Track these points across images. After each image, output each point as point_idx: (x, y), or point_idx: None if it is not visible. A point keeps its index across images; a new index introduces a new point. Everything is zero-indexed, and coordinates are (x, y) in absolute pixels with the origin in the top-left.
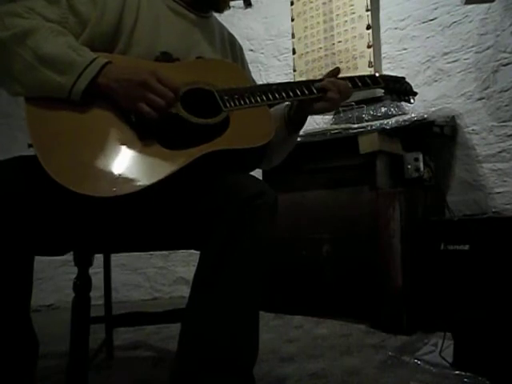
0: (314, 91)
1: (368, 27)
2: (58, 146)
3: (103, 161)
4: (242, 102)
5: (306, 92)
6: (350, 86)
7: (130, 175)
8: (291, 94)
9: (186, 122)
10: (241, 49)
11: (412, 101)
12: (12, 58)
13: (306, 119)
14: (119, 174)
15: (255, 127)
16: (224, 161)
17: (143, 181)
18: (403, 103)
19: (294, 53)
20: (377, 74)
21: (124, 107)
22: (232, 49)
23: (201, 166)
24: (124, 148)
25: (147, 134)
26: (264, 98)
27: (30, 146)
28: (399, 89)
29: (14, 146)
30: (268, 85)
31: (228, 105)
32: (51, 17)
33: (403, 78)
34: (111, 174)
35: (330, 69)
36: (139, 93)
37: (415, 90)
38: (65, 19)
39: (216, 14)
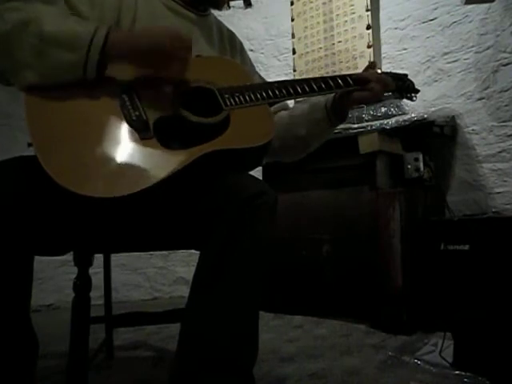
0: (315, 88)
1: (368, 27)
2: (57, 145)
3: (103, 161)
4: (243, 101)
5: (308, 90)
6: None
7: (131, 175)
8: (292, 91)
9: (186, 121)
10: (241, 44)
11: (414, 98)
12: (20, 48)
13: (347, 111)
14: (120, 175)
15: (256, 126)
16: (224, 160)
17: (144, 181)
18: (403, 103)
19: (294, 53)
20: (379, 71)
21: (147, 71)
22: (232, 45)
23: (201, 165)
24: (124, 148)
25: (147, 134)
26: (265, 95)
27: (29, 145)
28: (401, 86)
29: (14, 146)
30: (269, 83)
31: (229, 103)
32: None
33: (405, 75)
34: (111, 174)
35: (330, 69)
36: (162, 57)
37: None
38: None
39: (216, 14)
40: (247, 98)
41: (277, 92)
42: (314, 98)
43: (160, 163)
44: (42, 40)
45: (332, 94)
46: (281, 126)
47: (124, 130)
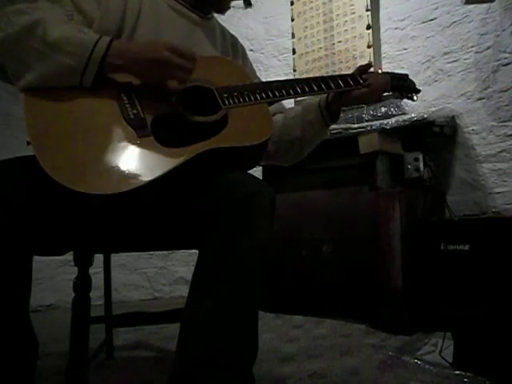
0: (314, 88)
1: (368, 27)
2: (56, 144)
3: (101, 158)
4: (242, 100)
5: (307, 89)
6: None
7: (128, 173)
8: (291, 91)
9: (184, 119)
10: (243, 49)
11: (415, 98)
12: (25, 51)
13: (340, 110)
14: (117, 172)
15: (254, 125)
16: (222, 159)
17: (141, 178)
18: (403, 103)
19: (294, 53)
20: (379, 71)
21: (148, 82)
22: (234, 49)
23: (199, 163)
24: (122, 146)
25: (145, 132)
26: (263, 95)
27: (28, 143)
28: (402, 86)
29: (14, 145)
30: (268, 82)
31: (227, 102)
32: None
33: (406, 75)
34: (109, 171)
35: (330, 69)
36: (164, 71)
37: None
38: (70, 17)
39: (216, 15)
40: (246, 97)
41: (276, 92)
42: (308, 100)
43: (157, 161)
44: (45, 44)
45: (324, 95)
46: (275, 130)
47: (122, 128)
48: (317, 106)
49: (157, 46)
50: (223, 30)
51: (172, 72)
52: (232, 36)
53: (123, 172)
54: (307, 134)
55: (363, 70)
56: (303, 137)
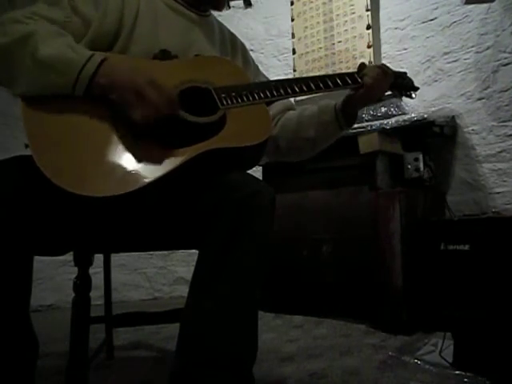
0: (312, 87)
1: (368, 27)
2: (54, 146)
3: (100, 161)
4: (240, 100)
5: (305, 89)
6: (390, 71)
7: (128, 175)
8: (289, 90)
9: (182, 120)
10: (243, 45)
11: (414, 96)
12: (14, 63)
13: (356, 113)
14: (116, 174)
15: (253, 125)
16: (221, 159)
17: (141, 180)
18: (403, 103)
19: (294, 53)
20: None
21: (118, 112)
22: (233, 47)
23: (198, 164)
24: (121, 148)
25: (144, 133)
26: (262, 95)
27: (27, 146)
28: (401, 84)
29: (13, 146)
30: (266, 82)
31: (225, 103)
32: (55, 17)
33: (405, 73)
34: (108, 174)
35: (330, 69)
36: (133, 100)
37: None
38: (68, 19)
39: (215, 14)
40: (244, 97)
41: (274, 91)
42: (324, 100)
43: (156, 162)
44: (34, 60)
45: (342, 97)
46: (289, 127)
47: (120, 129)
48: (333, 107)
49: (137, 74)
50: (221, 28)
51: (139, 102)
52: (231, 33)
53: (122, 174)
54: (321, 135)
55: (359, 69)
56: (317, 137)
